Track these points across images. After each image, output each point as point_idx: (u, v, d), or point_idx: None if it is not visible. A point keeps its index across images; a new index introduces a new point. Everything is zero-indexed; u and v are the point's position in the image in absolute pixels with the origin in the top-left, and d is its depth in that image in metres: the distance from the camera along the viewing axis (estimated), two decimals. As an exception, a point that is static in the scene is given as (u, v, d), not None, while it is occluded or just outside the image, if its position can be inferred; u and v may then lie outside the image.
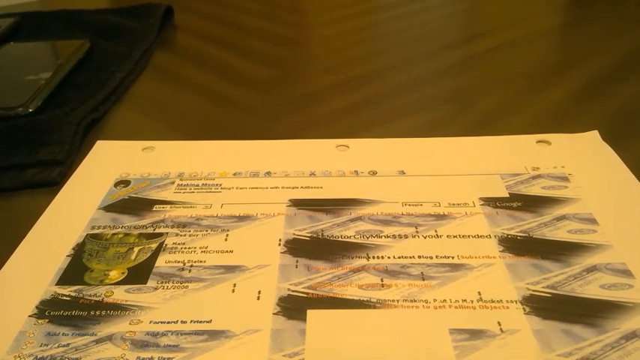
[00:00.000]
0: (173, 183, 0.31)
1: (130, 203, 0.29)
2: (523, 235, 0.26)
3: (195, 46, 0.51)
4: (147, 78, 0.45)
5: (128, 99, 0.42)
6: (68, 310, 0.23)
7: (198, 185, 0.30)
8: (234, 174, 0.31)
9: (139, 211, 0.29)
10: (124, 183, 0.31)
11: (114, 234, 0.27)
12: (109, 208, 0.29)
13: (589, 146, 0.32)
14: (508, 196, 0.29)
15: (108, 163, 0.33)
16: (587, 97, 0.39)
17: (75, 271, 0.25)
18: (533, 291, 0.23)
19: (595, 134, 0.33)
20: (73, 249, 0.26)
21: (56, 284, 0.24)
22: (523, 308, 0.22)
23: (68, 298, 0.24)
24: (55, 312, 0.23)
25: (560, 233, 0.26)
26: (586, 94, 0.39)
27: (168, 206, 0.29)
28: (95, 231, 0.27)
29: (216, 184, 0.30)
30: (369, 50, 0.49)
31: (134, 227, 0.27)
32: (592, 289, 0.23)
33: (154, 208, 0.29)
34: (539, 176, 0.30)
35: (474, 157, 0.32)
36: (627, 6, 0.56)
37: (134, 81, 0.44)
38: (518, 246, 0.26)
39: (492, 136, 0.34)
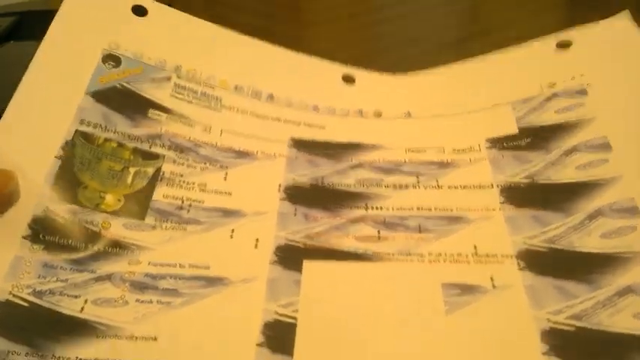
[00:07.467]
0: (169, 80, 0.27)
1: (122, 97, 0.26)
2: (527, 180, 0.25)
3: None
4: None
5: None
6: (64, 237, 0.22)
7: (196, 93, 0.28)
8: (235, 87, 0.28)
9: (133, 113, 0.26)
10: (113, 60, 0.27)
11: (106, 139, 0.25)
12: (98, 95, 0.26)
13: (616, 37, 0.29)
14: (517, 132, 0.27)
15: (92, 20, 0.28)
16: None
17: (67, 181, 0.23)
18: (530, 245, 0.22)
19: (625, 15, 0.29)
20: (62, 148, 0.24)
21: (48, 196, 0.22)
22: (518, 263, 0.22)
23: (62, 220, 0.22)
24: (50, 237, 0.22)
25: (568, 172, 0.24)
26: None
27: (165, 115, 0.26)
28: (85, 128, 0.25)
29: (216, 97, 0.28)
30: (369, 49, 0.49)
31: (128, 137, 0.25)
32: (592, 241, 0.22)
33: (149, 114, 0.26)
34: (554, 95, 0.27)
35: (485, 85, 0.29)
36: (627, 5, 0.56)
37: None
38: (520, 196, 0.24)
39: (507, 53, 0.30)
